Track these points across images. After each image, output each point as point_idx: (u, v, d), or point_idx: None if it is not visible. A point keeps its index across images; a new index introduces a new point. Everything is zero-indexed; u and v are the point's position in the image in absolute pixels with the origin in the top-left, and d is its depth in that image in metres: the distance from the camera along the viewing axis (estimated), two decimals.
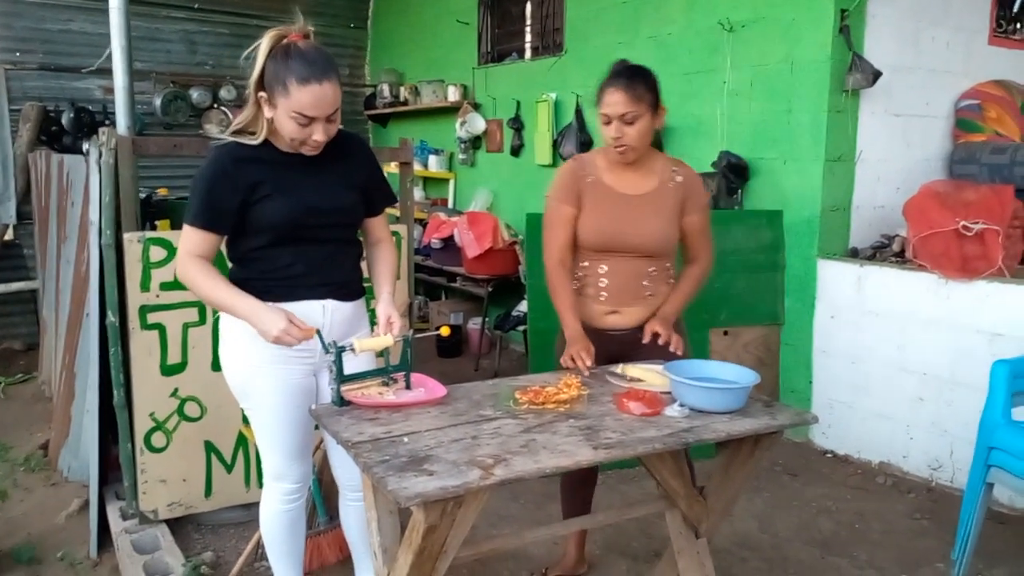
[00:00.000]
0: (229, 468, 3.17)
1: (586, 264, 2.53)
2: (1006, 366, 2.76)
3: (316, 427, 2.29)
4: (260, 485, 3.17)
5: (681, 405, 2.00)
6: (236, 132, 2.08)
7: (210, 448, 3.13)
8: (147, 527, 3.03)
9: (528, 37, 6.15)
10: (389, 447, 1.75)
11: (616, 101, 2.37)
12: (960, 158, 4.37)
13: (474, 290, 5.83)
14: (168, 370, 3.01)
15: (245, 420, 3.15)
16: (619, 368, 2.28)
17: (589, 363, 2.34)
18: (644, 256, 2.48)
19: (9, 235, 6.14)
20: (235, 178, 2.02)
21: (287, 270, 2.11)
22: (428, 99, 6.74)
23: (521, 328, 5.43)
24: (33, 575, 2.91)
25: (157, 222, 4.71)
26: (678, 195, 2.49)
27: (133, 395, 2.98)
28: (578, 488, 2.74)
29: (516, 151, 6.03)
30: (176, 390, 3.03)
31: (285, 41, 1.98)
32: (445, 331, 2.67)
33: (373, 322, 2.23)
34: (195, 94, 6.83)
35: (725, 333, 4.15)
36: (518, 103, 5.95)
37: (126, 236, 2.91)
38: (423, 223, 6.23)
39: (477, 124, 6.32)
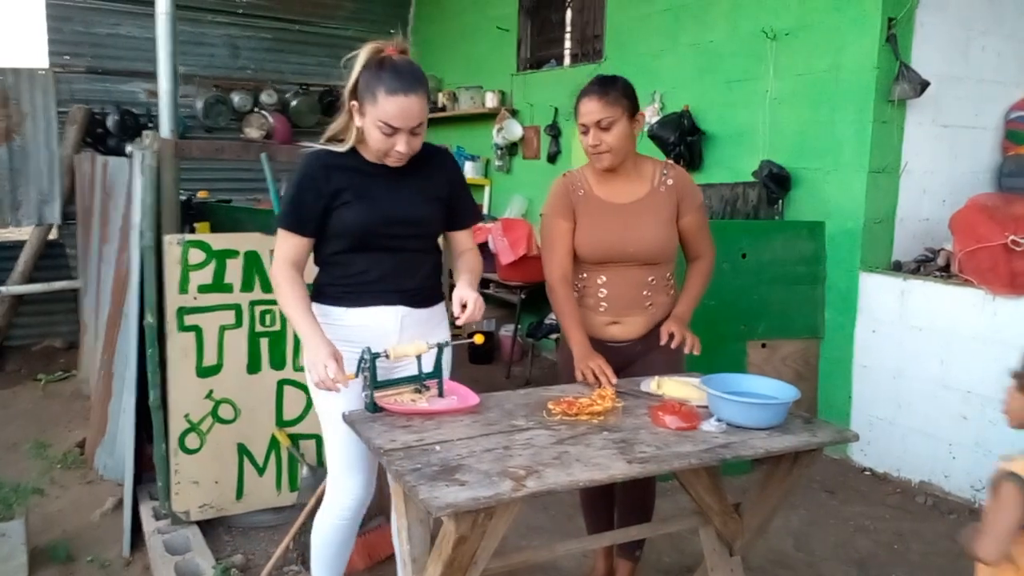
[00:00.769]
0: (261, 471, 3.19)
1: (585, 276, 2.51)
2: None
3: None
4: (292, 489, 3.21)
5: (718, 420, 1.96)
6: (328, 140, 2.18)
7: (243, 451, 3.14)
8: (179, 528, 3.05)
9: (568, 44, 6.13)
10: (421, 455, 1.74)
11: (590, 110, 2.38)
12: (1010, 171, 4.25)
13: (507, 297, 5.81)
14: (204, 372, 3.03)
15: (279, 423, 3.19)
16: (653, 382, 2.24)
17: (611, 376, 2.28)
18: (643, 264, 2.45)
19: (53, 235, 6.26)
20: (321, 184, 2.11)
21: (360, 276, 2.17)
22: (466, 105, 6.75)
23: (553, 336, 5.39)
24: (67, 572, 2.95)
25: (196, 224, 4.76)
26: (671, 198, 2.47)
27: (169, 396, 3.00)
28: (598, 501, 2.72)
29: (553, 158, 6.01)
30: (211, 392, 3.05)
31: (382, 54, 2.06)
32: (479, 339, 2.66)
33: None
34: (236, 98, 6.90)
35: (763, 346, 4.08)
36: (556, 110, 5.93)
37: (166, 238, 2.94)
38: None
39: (514, 130, 6.31)
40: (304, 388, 3.20)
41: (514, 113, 6.40)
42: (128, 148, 5.57)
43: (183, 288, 2.96)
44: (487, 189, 6.82)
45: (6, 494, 3.49)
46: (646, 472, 1.76)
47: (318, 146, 2.18)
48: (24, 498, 3.48)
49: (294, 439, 3.20)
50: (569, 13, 6.08)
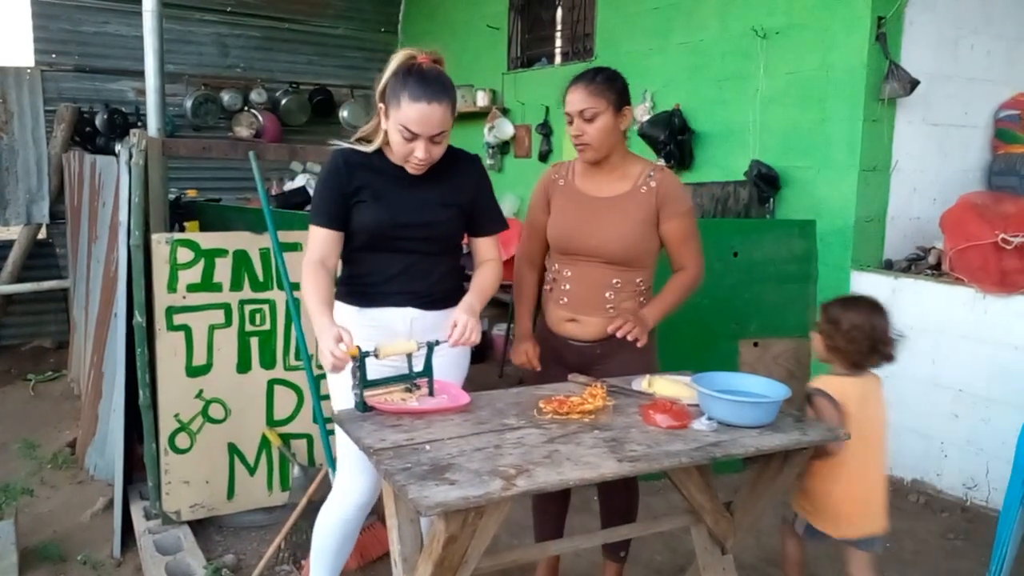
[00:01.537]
0: (252, 471, 3.17)
1: (556, 267, 2.49)
2: None
3: None
4: (283, 489, 3.20)
5: (709, 418, 1.96)
6: (357, 139, 2.23)
7: (233, 450, 3.12)
8: (170, 528, 3.03)
9: (558, 42, 6.12)
10: (411, 454, 1.73)
11: (575, 99, 2.35)
12: (999, 169, 4.27)
13: (499, 296, 5.79)
14: (193, 371, 3.02)
15: (269, 423, 3.18)
16: (645, 381, 2.24)
17: (535, 362, 2.45)
18: (609, 264, 2.38)
19: (42, 234, 6.23)
20: (343, 180, 2.16)
21: (370, 276, 2.22)
22: (456, 104, 6.73)
23: None
24: (58, 572, 2.93)
25: (186, 223, 4.74)
26: (650, 200, 2.37)
27: (158, 396, 2.99)
28: (549, 507, 2.68)
29: (544, 157, 6.01)
30: (201, 391, 3.04)
31: (413, 60, 2.09)
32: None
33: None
34: (226, 97, 6.87)
35: (755, 344, 4.08)
36: (547, 108, 5.92)
37: (154, 237, 2.92)
38: None
39: (505, 129, 6.31)
40: (295, 388, 3.19)
41: (505, 112, 6.39)
42: (117, 147, 5.56)
43: (172, 287, 2.95)
44: None
45: None
46: (637, 471, 1.75)
47: (345, 144, 2.23)
48: (14, 498, 3.46)
49: (285, 439, 3.18)
50: (560, 11, 6.07)
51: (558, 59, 6.10)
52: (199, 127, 6.79)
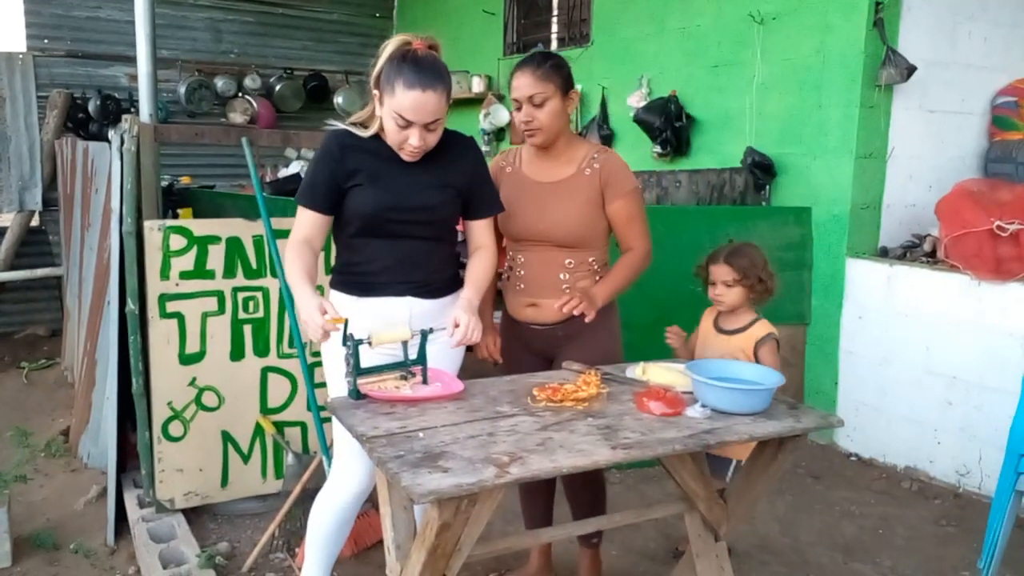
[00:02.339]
0: (246, 459, 3.17)
1: (511, 255, 2.50)
2: None
3: None
4: (277, 476, 3.20)
5: (703, 406, 1.95)
6: (352, 124, 2.20)
7: (227, 438, 3.12)
8: (164, 516, 3.03)
9: (554, 28, 6.09)
10: (404, 442, 1.72)
11: (522, 84, 2.35)
12: (996, 156, 4.26)
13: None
14: (186, 359, 3.01)
15: (263, 411, 3.17)
16: (638, 368, 2.23)
17: (496, 355, 2.53)
18: (560, 247, 2.39)
19: (35, 221, 6.20)
20: (337, 161, 2.13)
21: (366, 265, 2.19)
22: (452, 90, 6.70)
23: None
24: (51, 560, 2.93)
25: (180, 210, 4.72)
26: (594, 182, 2.38)
27: (151, 383, 2.98)
28: (536, 495, 2.69)
29: None
30: (194, 379, 3.03)
31: (408, 46, 2.06)
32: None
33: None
34: (220, 83, 6.83)
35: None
36: None
37: (146, 224, 2.90)
38: None
39: (501, 116, 6.28)
40: (288, 375, 3.18)
41: (501, 98, 6.36)
42: (110, 133, 5.52)
43: (164, 274, 2.93)
44: None
45: None
46: (630, 458, 1.75)
47: (342, 125, 2.20)
48: (7, 486, 3.45)
49: (279, 426, 3.18)
50: None
51: (554, 44, 6.06)
52: (193, 113, 6.76)
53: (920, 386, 3.77)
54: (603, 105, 5.32)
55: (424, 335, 2.08)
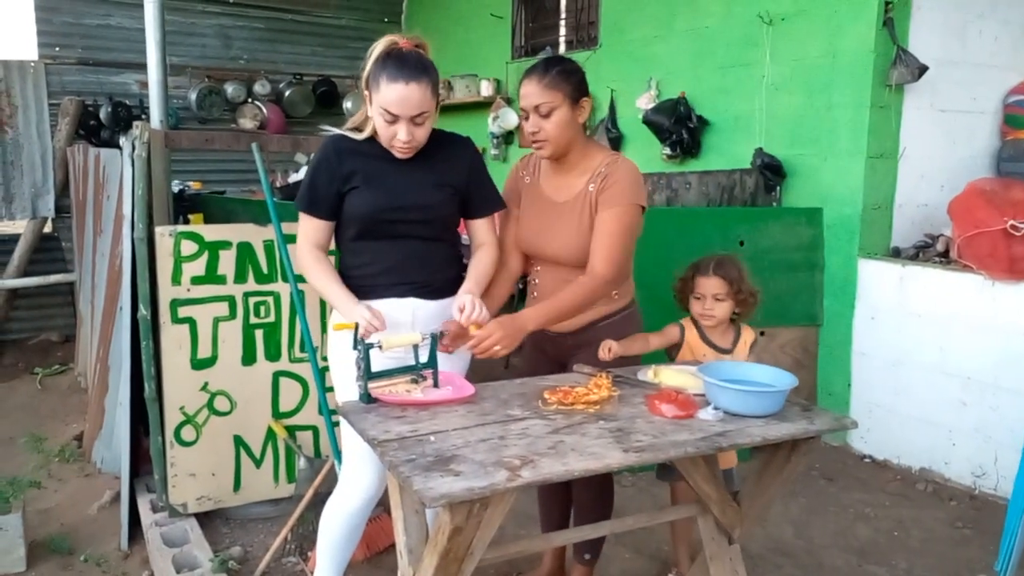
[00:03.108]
0: (258, 463, 3.17)
1: (531, 266, 2.48)
2: None
3: None
4: (290, 481, 3.20)
5: (715, 408, 1.94)
6: (347, 128, 2.22)
7: (239, 443, 3.13)
8: (177, 520, 3.04)
9: (563, 31, 6.08)
10: (415, 446, 1.72)
11: (529, 92, 2.23)
12: (1008, 155, 4.23)
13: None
14: (198, 364, 3.01)
15: (275, 415, 3.18)
16: (650, 371, 2.22)
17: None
18: (570, 267, 2.30)
19: (48, 228, 6.23)
20: (334, 166, 2.17)
21: (367, 267, 2.21)
22: (461, 94, 6.71)
23: None
24: (65, 565, 2.94)
25: (191, 216, 4.73)
26: (592, 201, 2.25)
27: (164, 388, 2.99)
28: (552, 498, 2.66)
29: None
30: (206, 384, 3.03)
31: (395, 46, 2.10)
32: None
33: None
34: (230, 89, 6.86)
35: (762, 333, 4.04)
36: None
37: (157, 230, 2.92)
38: None
39: (510, 119, 6.28)
40: (300, 380, 3.18)
41: (509, 101, 6.36)
42: (121, 140, 5.55)
43: (176, 280, 2.94)
44: None
45: (3, 488, 3.48)
46: (642, 461, 1.74)
47: (337, 130, 2.23)
48: (21, 492, 3.46)
49: (291, 431, 3.18)
50: (564, 0, 6.04)
51: (562, 47, 6.06)
52: (204, 119, 6.78)
53: (934, 387, 3.74)
54: (612, 107, 5.31)
55: (434, 338, 2.08)
